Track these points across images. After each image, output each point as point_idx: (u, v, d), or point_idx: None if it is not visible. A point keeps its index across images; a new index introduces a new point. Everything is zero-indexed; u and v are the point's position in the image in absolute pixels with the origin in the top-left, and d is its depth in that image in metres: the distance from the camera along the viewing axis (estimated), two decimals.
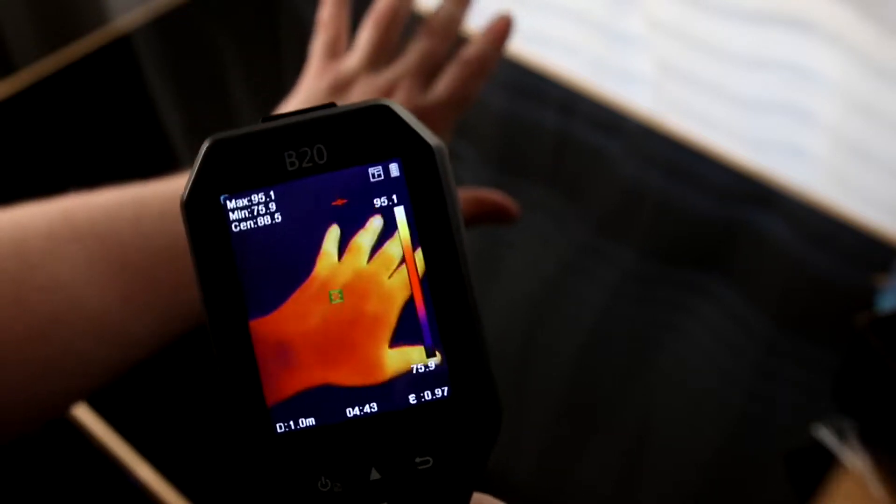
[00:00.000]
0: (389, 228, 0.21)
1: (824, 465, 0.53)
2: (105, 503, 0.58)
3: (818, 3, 0.68)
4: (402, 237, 0.21)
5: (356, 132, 0.21)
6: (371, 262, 0.21)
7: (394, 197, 0.21)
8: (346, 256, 0.21)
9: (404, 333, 0.21)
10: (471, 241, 0.21)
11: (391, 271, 0.21)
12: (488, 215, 0.45)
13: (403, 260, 0.21)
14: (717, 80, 0.79)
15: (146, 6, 0.88)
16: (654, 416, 0.58)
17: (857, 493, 0.52)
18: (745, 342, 0.61)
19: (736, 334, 0.61)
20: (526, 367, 0.60)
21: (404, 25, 0.48)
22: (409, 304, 0.21)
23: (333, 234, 0.21)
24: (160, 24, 0.87)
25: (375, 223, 0.21)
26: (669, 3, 0.77)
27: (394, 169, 0.21)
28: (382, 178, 0.21)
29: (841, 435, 0.54)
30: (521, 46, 0.85)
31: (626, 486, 0.54)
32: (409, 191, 0.21)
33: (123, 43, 0.85)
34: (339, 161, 0.21)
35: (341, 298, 0.21)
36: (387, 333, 0.21)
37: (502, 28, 0.46)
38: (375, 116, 0.21)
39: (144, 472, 0.54)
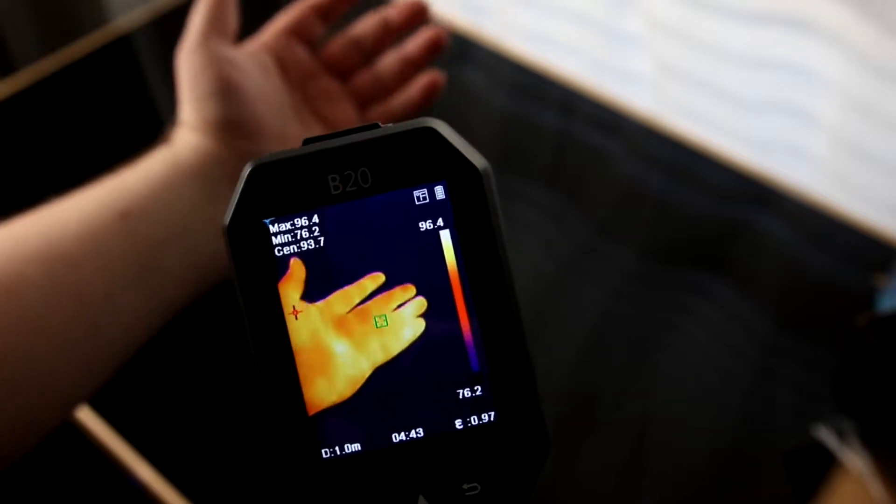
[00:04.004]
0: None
1: (824, 465, 0.53)
2: (105, 503, 0.58)
3: (818, 3, 0.68)
4: (447, 262, 0.20)
5: (401, 154, 0.20)
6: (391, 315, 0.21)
7: (439, 220, 0.20)
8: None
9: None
10: None
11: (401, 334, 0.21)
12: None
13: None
14: (717, 80, 0.79)
15: (146, 6, 0.88)
16: (654, 415, 0.58)
17: (857, 493, 0.52)
18: (745, 342, 0.61)
19: (736, 334, 0.61)
20: None
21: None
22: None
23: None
24: (160, 24, 0.87)
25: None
26: (669, 3, 0.77)
27: (439, 192, 0.20)
28: (427, 200, 0.20)
29: (841, 435, 0.54)
30: (521, 46, 0.85)
31: (626, 486, 0.54)
32: (454, 214, 0.20)
33: (123, 43, 0.85)
34: (383, 184, 0.20)
35: (385, 323, 0.21)
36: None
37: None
38: (421, 138, 0.20)
39: (144, 472, 0.54)
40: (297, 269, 0.20)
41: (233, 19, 0.43)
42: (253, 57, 0.43)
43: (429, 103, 0.46)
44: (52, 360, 0.35)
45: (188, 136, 0.40)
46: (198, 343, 0.59)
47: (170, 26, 0.87)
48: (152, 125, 0.79)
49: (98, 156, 0.75)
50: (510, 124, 0.78)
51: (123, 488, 0.55)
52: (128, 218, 0.37)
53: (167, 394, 0.58)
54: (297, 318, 0.20)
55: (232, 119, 0.39)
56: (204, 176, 0.39)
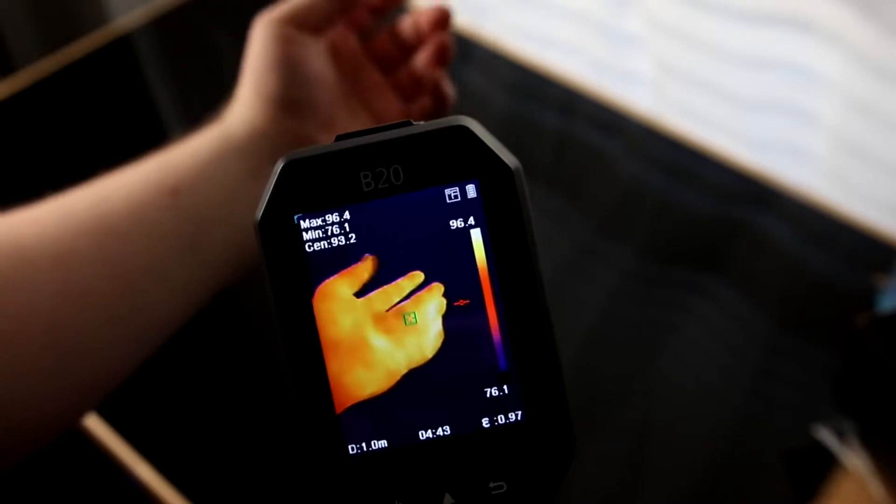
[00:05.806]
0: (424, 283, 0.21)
1: (824, 465, 0.53)
2: (105, 503, 0.58)
3: (818, 3, 0.68)
4: (477, 260, 0.20)
5: (433, 152, 0.20)
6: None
7: (470, 219, 0.20)
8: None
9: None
10: None
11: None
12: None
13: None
14: (717, 80, 0.79)
15: (146, 6, 0.88)
16: (655, 416, 0.58)
17: (857, 493, 0.52)
18: (745, 342, 0.61)
19: (736, 334, 0.61)
20: None
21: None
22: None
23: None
24: (160, 24, 0.87)
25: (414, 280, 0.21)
26: (669, 3, 0.77)
27: (471, 190, 0.20)
28: (459, 199, 0.20)
29: (841, 435, 0.54)
30: (522, 46, 0.85)
31: (626, 486, 0.54)
32: (485, 212, 0.20)
33: (123, 43, 0.85)
34: (415, 182, 0.20)
35: (415, 321, 0.21)
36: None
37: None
38: (453, 136, 0.20)
39: (144, 471, 0.54)
40: (366, 265, 0.20)
41: (318, 18, 0.43)
42: (317, 41, 0.43)
43: (442, 95, 0.46)
44: (100, 333, 0.35)
45: (240, 111, 0.41)
46: (197, 343, 0.59)
47: (170, 26, 0.87)
48: (152, 126, 0.79)
49: (98, 156, 0.75)
50: (510, 124, 0.78)
51: (124, 488, 0.55)
52: (177, 195, 0.37)
53: (167, 394, 0.58)
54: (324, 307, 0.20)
55: (289, 96, 0.40)
56: (251, 151, 0.39)
